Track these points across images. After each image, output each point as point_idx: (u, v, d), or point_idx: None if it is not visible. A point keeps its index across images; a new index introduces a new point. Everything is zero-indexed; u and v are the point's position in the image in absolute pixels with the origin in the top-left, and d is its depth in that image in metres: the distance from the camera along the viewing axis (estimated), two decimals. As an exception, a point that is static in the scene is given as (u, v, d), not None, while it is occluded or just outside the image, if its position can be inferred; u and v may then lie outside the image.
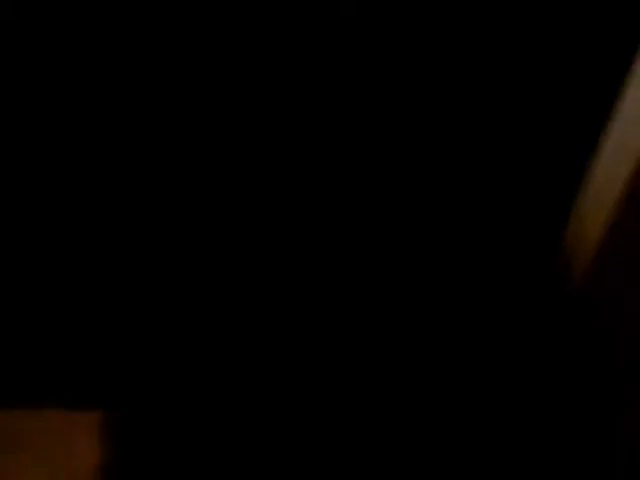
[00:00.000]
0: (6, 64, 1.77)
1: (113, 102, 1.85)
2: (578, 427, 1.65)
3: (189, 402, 1.57)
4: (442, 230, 1.92)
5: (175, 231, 1.85)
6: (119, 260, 1.78)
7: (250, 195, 1.91)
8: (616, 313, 1.69)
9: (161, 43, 1.80)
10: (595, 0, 1.83)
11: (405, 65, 1.87)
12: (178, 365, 1.63)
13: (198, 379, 1.62)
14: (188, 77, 1.85)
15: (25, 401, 1.51)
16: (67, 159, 1.86)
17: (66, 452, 1.45)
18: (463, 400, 1.66)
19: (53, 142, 1.86)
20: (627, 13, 1.84)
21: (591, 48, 1.87)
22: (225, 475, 1.49)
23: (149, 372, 1.60)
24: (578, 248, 1.79)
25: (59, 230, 1.81)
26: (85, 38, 1.78)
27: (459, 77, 1.88)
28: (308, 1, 1.77)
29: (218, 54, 1.82)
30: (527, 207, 1.96)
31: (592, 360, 1.73)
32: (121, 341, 1.64)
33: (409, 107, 1.91)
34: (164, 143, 1.89)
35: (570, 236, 1.84)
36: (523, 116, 1.93)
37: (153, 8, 1.76)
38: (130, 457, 1.47)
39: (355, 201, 1.93)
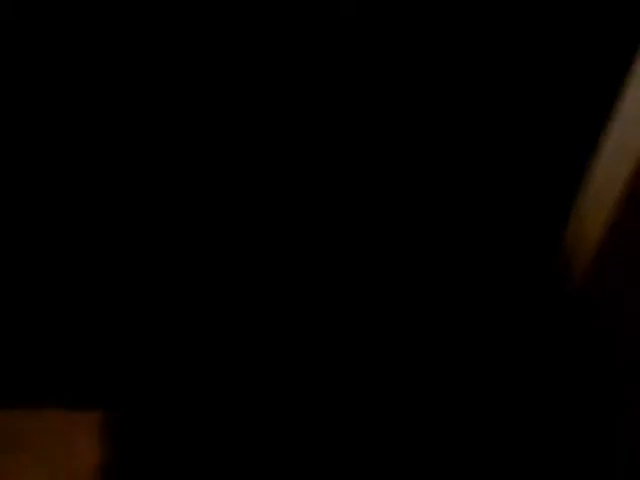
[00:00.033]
0: (6, 64, 1.77)
1: (113, 102, 1.85)
2: (578, 427, 1.65)
3: (189, 402, 1.57)
4: (442, 230, 1.92)
5: (173, 230, 1.85)
6: (118, 260, 1.78)
7: (250, 195, 1.91)
8: (616, 313, 1.68)
9: (161, 43, 1.80)
10: (595, 0, 1.83)
11: (404, 65, 1.87)
12: (177, 365, 1.63)
13: (197, 379, 1.61)
14: (188, 77, 1.85)
15: (25, 401, 1.51)
16: (67, 159, 1.86)
17: (66, 452, 1.45)
18: (463, 400, 1.66)
19: (53, 142, 1.86)
20: (627, 13, 1.84)
21: (590, 49, 1.87)
22: (224, 475, 1.49)
23: (149, 372, 1.60)
24: (578, 248, 1.79)
25: (57, 230, 1.81)
26: (85, 38, 1.78)
27: (458, 77, 1.88)
28: (308, 1, 1.77)
29: (218, 54, 1.83)
30: (527, 207, 1.96)
31: (592, 360, 1.73)
32: (121, 341, 1.64)
33: (409, 107, 1.91)
34: (164, 143, 1.89)
35: (570, 236, 1.84)
36: (523, 116, 1.93)
37: (153, 8, 1.76)
38: (130, 457, 1.47)
39: (355, 201, 1.93)
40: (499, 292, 1.83)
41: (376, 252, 1.88)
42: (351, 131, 1.92)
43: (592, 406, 1.69)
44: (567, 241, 1.85)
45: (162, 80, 1.84)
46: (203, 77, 1.85)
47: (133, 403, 1.54)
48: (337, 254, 1.86)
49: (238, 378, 1.63)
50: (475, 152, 1.95)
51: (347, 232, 1.90)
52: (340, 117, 1.91)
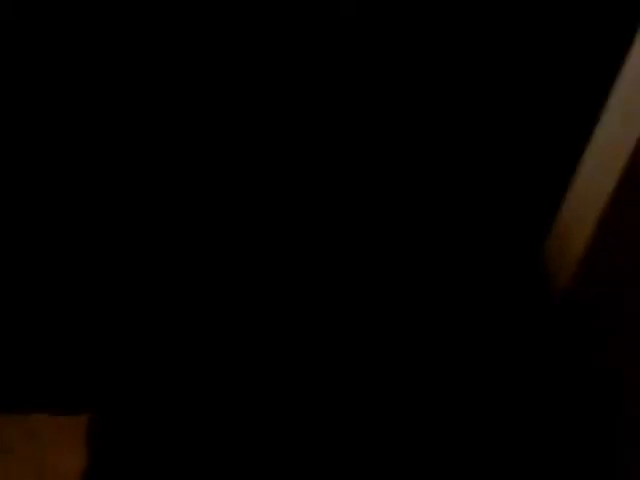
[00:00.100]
0: (6, 64, 1.79)
1: (113, 102, 1.86)
2: (578, 427, 1.63)
3: (175, 405, 1.57)
4: (429, 230, 1.92)
5: (167, 230, 1.85)
6: (109, 264, 1.79)
7: (249, 195, 1.91)
8: (603, 314, 1.68)
9: (161, 43, 1.82)
10: (587, 3, 1.84)
11: (404, 65, 1.88)
12: (163, 369, 1.63)
13: (184, 382, 1.61)
14: (188, 77, 1.86)
15: (10, 406, 1.51)
16: (67, 159, 1.88)
17: (52, 456, 1.45)
18: (461, 400, 1.65)
19: (53, 142, 1.87)
20: (621, 13, 1.84)
21: (580, 54, 1.87)
22: (212, 477, 1.48)
23: (135, 375, 1.60)
24: (565, 249, 1.79)
25: (48, 234, 1.82)
26: (85, 38, 1.80)
27: (454, 77, 1.89)
28: (308, 1, 1.78)
29: (218, 53, 1.84)
30: (514, 207, 1.96)
31: (590, 360, 1.72)
32: (106, 345, 1.65)
33: (402, 105, 1.91)
34: (164, 143, 1.90)
35: (557, 237, 1.84)
36: (509, 117, 1.93)
37: (153, 8, 1.78)
38: (116, 461, 1.47)
39: (352, 198, 1.93)
40: (486, 293, 1.83)
41: (364, 256, 1.88)
42: (348, 129, 1.92)
43: (592, 406, 1.67)
44: (554, 242, 1.85)
45: (162, 80, 1.86)
46: (203, 77, 1.86)
47: (119, 407, 1.54)
48: (329, 248, 1.86)
49: (228, 379, 1.63)
50: (463, 152, 1.95)
51: (343, 228, 1.90)
52: (338, 115, 1.92)
